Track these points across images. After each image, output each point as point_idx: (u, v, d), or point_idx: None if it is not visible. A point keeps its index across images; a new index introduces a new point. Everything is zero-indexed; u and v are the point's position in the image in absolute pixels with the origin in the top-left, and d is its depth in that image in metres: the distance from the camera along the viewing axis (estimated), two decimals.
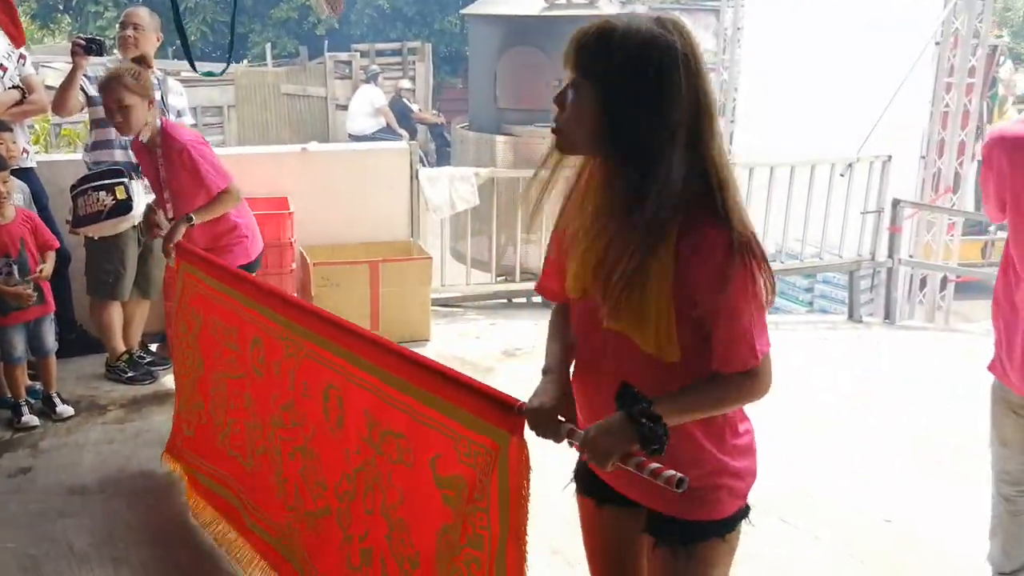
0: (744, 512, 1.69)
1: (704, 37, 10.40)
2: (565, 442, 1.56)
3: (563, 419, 1.56)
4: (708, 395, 1.53)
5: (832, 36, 8.34)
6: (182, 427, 3.27)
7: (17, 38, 3.99)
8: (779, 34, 8.56)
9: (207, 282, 3.09)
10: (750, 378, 1.52)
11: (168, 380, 4.39)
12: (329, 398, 2.25)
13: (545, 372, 1.65)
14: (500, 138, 6.30)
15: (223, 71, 4.46)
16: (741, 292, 1.46)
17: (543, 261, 1.76)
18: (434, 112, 14.99)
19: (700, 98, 1.46)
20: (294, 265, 5.11)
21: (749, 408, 1.64)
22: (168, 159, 3.58)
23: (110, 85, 3.52)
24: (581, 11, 6.13)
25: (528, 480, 1.62)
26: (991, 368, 2.41)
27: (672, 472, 1.40)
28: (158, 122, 3.63)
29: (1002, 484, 2.54)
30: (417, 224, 5.84)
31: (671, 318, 1.48)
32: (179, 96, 4.45)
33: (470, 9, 6.60)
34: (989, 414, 2.48)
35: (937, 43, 7.89)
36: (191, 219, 3.46)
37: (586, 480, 1.79)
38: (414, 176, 5.76)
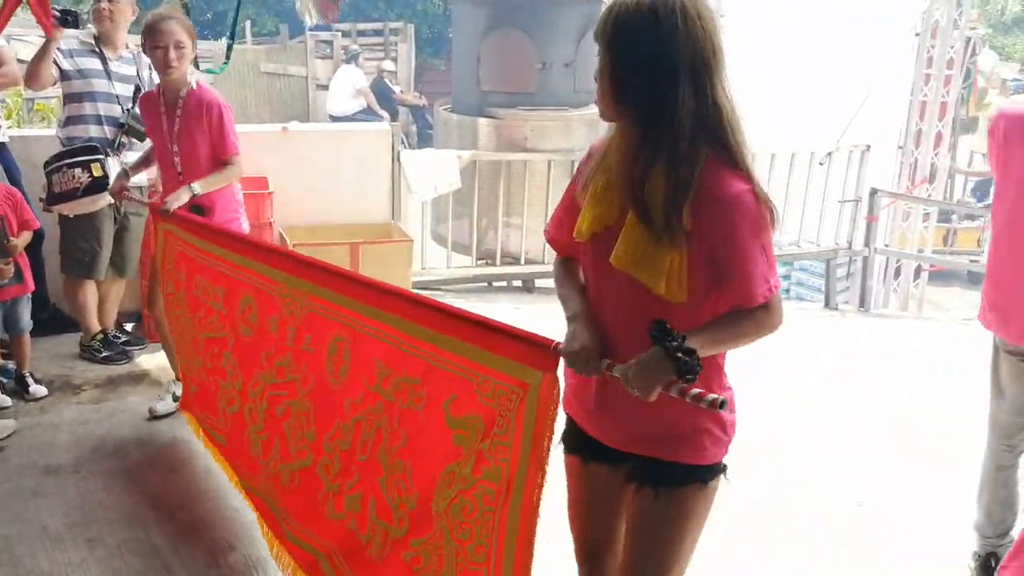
0: (723, 467, 1.78)
1: None
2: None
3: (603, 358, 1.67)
4: (732, 329, 1.64)
5: (813, 28, 8.37)
6: (189, 384, 3.34)
7: (47, 28, 3.86)
8: (761, 25, 8.57)
9: (190, 241, 3.08)
10: (767, 311, 1.63)
11: (144, 360, 4.36)
12: (336, 350, 2.29)
13: (573, 319, 1.74)
14: (483, 121, 6.26)
15: (222, 69, 4.36)
16: (757, 234, 1.59)
17: (550, 217, 1.88)
18: (416, 94, 14.89)
19: (700, 44, 1.54)
20: None
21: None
22: (191, 115, 3.48)
23: (166, 24, 3.35)
24: None
25: (556, 412, 1.72)
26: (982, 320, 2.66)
27: (714, 395, 1.52)
28: (191, 78, 3.54)
29: (993, 436, 2.64)
30: (398, 206, 5.81)
31: (683, 263, 1.59)
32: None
33: None
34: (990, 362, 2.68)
35: (917, 34, 7.93)
36: (195, 189, 3.39)
37: (573, 439, 1.87)
38: (395, 158, 5.72)
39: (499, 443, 1.79)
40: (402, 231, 5.61)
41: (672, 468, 1.73)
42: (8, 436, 3.52)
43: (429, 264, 6.33)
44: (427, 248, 6.43)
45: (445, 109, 6.82)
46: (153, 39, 3.36)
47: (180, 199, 3.33)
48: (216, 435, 3.09)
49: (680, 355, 1.51)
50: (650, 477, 1.75)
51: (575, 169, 1.80)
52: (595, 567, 1.93)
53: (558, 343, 1.71)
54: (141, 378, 4.16)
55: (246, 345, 2.70)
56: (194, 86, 3.51)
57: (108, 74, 4.06)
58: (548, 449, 1.71)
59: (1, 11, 3.60)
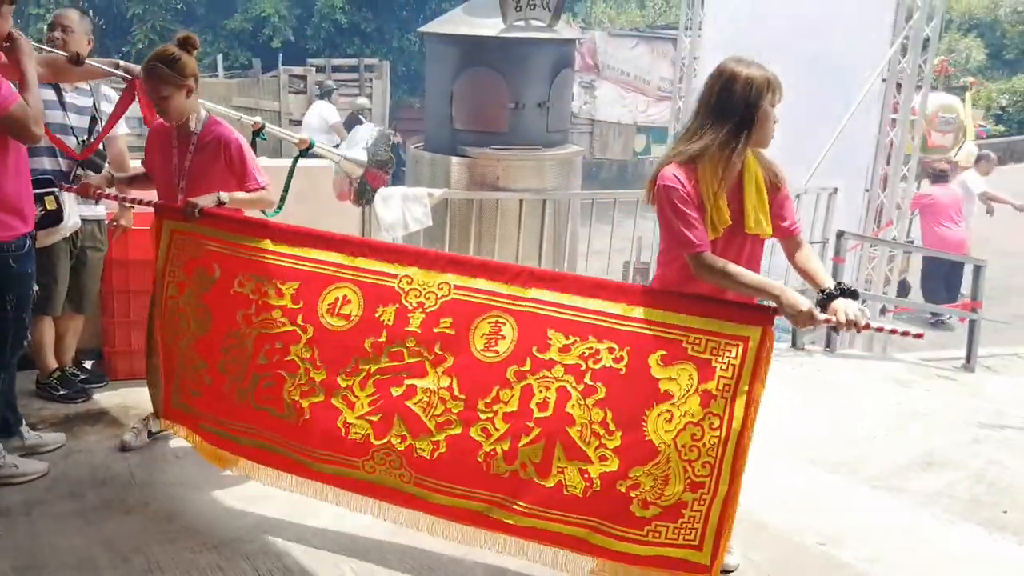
0: None
1: (661, 66, 10.51)
2: None
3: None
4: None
5: (784, 70, 8.46)
6: (186, 389, 3.31)
7: (149, 119, 3.85)
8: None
9: (232, 239, 3.20)
10: None
11: (103, 398, 4.26)
12: (489, 328, 2.78)
13: (780, 289, 2.54)
14: (455, 159, 6.26)
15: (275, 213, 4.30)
16: None
17: (691, 228, 2.60)
18: (391, 131, 14.91)
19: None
20: None
21: None
22: (205, 152, 3.46)
23: (147, 80, 3.38)
24: (539, 34, 6.14)
25: (770, 357, 2.53)
26: None
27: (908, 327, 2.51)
28: (202, 111, 3.52)
29: None
30: None
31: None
32: (112, 104, 4.25)
33: (428, 27, 6.55)
34: None
35: (884, 80, 8.06)
36: (223, 197, 3.34)
37: None
38: None
39: (724, 382, 2.52)
40: None
41: None
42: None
43: None
44: None
45: (417, 147, 6.81)
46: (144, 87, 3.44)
47: (207, 202, 3.29)
48: (233, 436, 3.16)
49: (854, 293, 2.51)
50: None
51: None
52: None
53: (774, 307, 2.53)
54: (99, 417, 4.06)
55: (335, 336, 2.96)
56: (204, 118, 3.50)
57: (63, 105, 3.96)
58: (762, 388, 2.50)
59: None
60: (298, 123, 13.82)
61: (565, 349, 2.69)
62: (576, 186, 6.59)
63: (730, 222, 2.63)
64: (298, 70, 15.46)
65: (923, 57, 8.06)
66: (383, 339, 2.90)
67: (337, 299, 2.99)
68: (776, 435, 4.79)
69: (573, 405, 2.66)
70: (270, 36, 16.86)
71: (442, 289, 2.86)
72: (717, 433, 2.52)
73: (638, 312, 2.64)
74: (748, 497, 2.68)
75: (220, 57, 16.98)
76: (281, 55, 16.18)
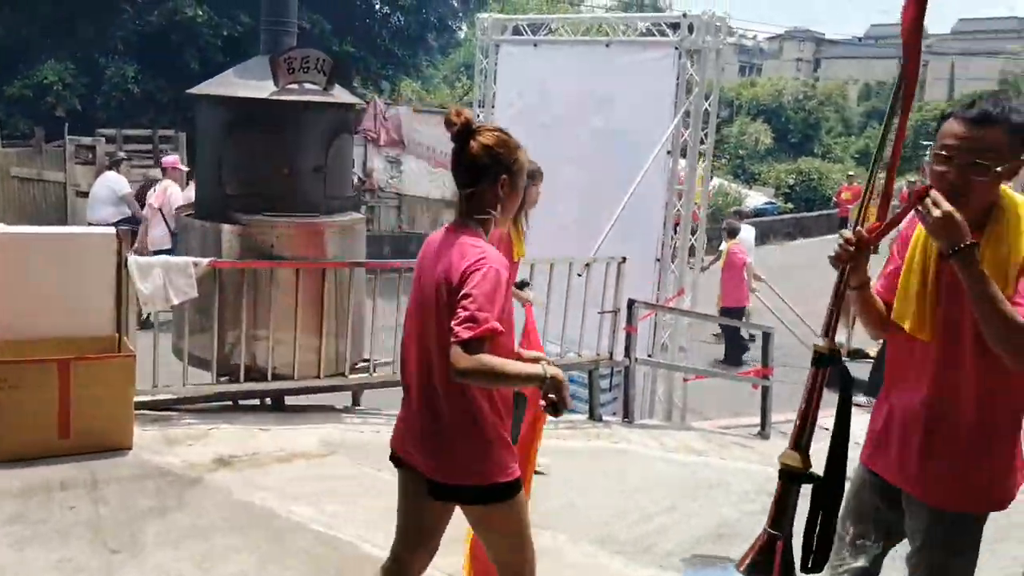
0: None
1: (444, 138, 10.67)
2: None
3: None
4: None
5: (575, 143, 8.65)
6: None
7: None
8: (527, 139, 8.76)
9: None
10: None
11: None
12: None
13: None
14: (226, 227, 5.83)
15: None
16: None
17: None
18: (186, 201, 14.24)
19: None
20: None
21: None
22: None
23: None
24: (313, 97, 5.89)
25: None
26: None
27: None
28: None
29: None
30: (126, 318, 5.25)
31: None
32: None
33: (197, 89, 6.15)
34: None
35: (668, 152, 8.34)
36: None
37: None
38: (123, 264, 5.20)
39: None
40: (127, 345, 5.05)
41: None
42: None
43: (165, 381, 5.74)
44: (169, 365, 5.86)
45: (186, 214, 6.34)
46: None
47: None
48: None
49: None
50: None
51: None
52: None
53: None
54: None
55: None
56: None
57: None
58: None
59: None
60: (85, 194, 12.99)
61: None
62: (360, 255, 6.29)
63: None
64: (87, 140, 14.59)
65: (704, 130, 8.41)
66: None
67: None
68: (566, 513, 4.62)
69: None
70: (53, 104, 15.82)
71: None
72: None
73: None
74: None
75: None
76: (67, 125, 15.18)
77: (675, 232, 8.54)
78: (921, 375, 2.48)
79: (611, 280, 7.12)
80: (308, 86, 5.79)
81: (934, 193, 2.29)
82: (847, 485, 2.58)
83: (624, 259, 7.07)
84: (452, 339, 2.37)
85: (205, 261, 5.50)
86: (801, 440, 2.44)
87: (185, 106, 16.94)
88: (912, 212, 2.40)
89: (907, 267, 2.53)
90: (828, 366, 2.40)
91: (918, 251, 2.50)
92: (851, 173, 25.92)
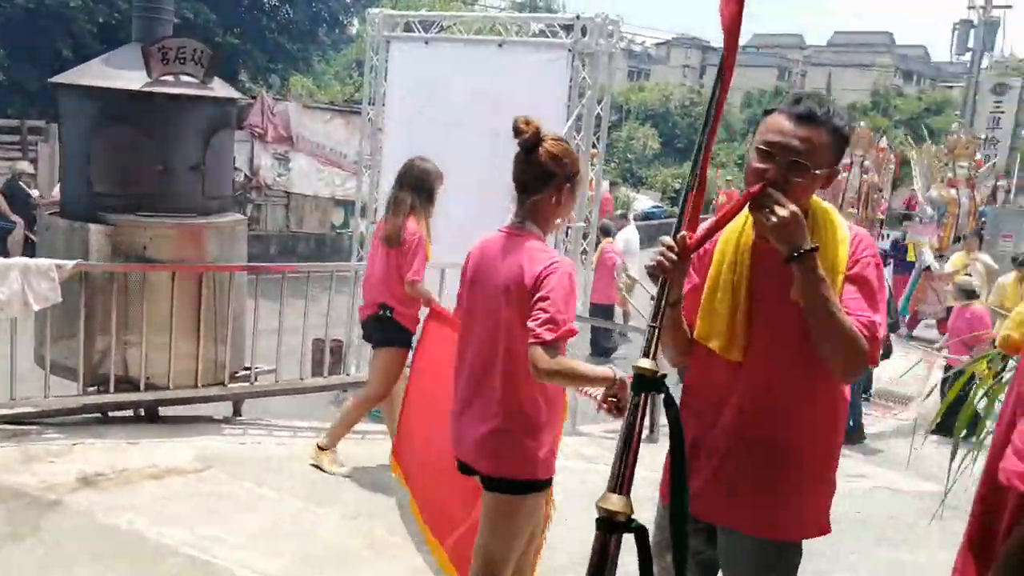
0: None
1: (358, 139, 10.27)
2: None
3: None
4: None
5: (467, 143, 8.51)
6: None
7: None
8: (417, 138, 8.57)
9: None
10: None
11: None
12: None
13: None
14: (94, 227, 5.44)
15: None
16: None
17: None
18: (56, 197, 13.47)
19: None
20: None
21: None
22: None
23: None
24: (190, 90, 5.56)
25: None
26: None
27: None
28: None
29: None
30: None
31: None
32: None
33: (61, 78, 5.72)
34: None
35: None
36: None
37: None
38: None
39: None
40: None
41: None
42: None
43: (26, 393, 5.31)
44: (30, 374, 5.43)
45: (51, 213, 5.89)
46: None
47: None
48: None
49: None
50: None
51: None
52: None
53: None
54: None
55: None
56: None
57: None
58: None
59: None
60: None
61: None
62: (241, 258, 5.99)
63: None
64: None
65: (596, 134, 8.39)
66: None
67: None
68: None
69: None
70: None
71: None
72: None
73: None
74: None
75: None
76: None
77: (567, 235, 8.50)
78: (728, 399, 2.29)
79: None
80: (185, 78, 5.45)
81: (775, 192, 2.10)
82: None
83: None
84: (533, 340, 2.53)
85: (70, 264, 5.11)
86: (620, 480, 1.89)
87: (57, 96, 16.08)
88: (738, 214, 2.22)
89: (712, 284, 2.33)
90: (652, 391, 1.91)
91: (726, 266, 2.30)
92: (729, 178, 26.69)
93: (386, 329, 4.87)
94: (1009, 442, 1.35)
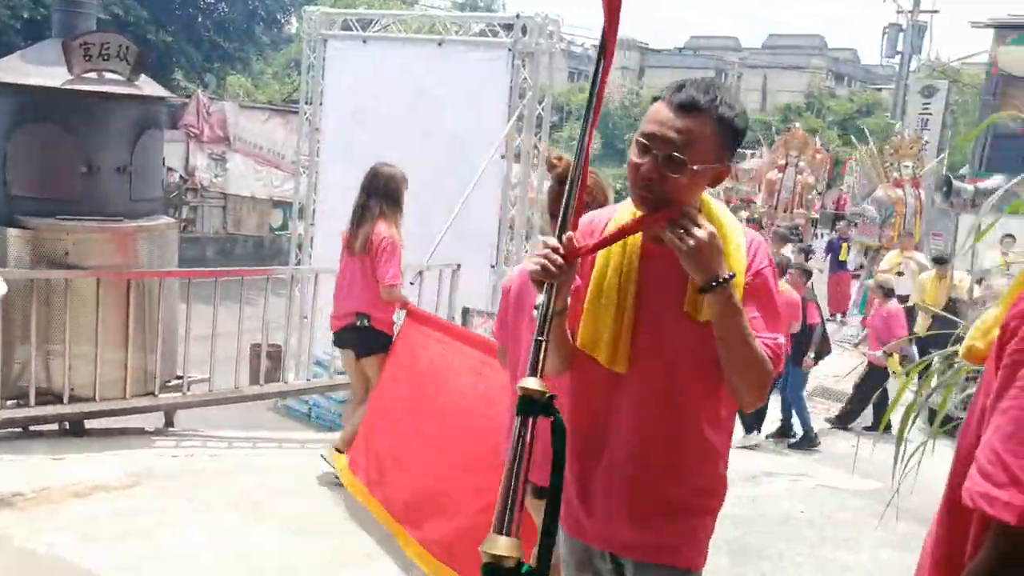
0: None
1: (296, 139, 10.06)
2: None
3: None
4: None
5: (404, 143, 8.35)
6: None
7: None
8: (356, 138, 8.41)
9: None
10: None
11: None
12: None
13: None
14: (13, 231, 5.17)
15: None
16: None
17: None
18: None
19: None
20: None
21: None
22: None
23: None
24: (116, 88, 5.33)
25: None
26: None
27: None
28: None
29: None
30: None
31: None
32: None
33: None
34: None
35: (503, 156, 8.19)
36: None
37: None
38: None
39: None
40: None
41: None
42: None
43: None
44: None
45: None
46: None
47: None
48: None
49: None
50: None
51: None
52: None
53: None
54: None
55: None
56: None
57: None
58: None
59: None
60: None
61: None
62: (171, 263, 5.77)
63: None
64: None
65: (537, 135, 8.32)
66: None
67: None
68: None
69: None
70: None
71: None
72: None
73: None
74: None
75: None
76: None
77: (510, 238, 8.41)
78: (616, 414, 2.09)
79: (445, 287, 6.90)
80: (109, 75, 5.22)
81: (691, 210, 1.88)
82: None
83: (459, 266, 6.86)
84: None
85: None
86: (508, 520, 1.60)
87: None
88: (638, 231, 1.99)
89: (596, 289, 2.09)
90: (539, 415, 1.66)
91: (611, 270, 2.07)
92: None
93: (367, 339, 4.78)
94: (973, 459, 1.27)
